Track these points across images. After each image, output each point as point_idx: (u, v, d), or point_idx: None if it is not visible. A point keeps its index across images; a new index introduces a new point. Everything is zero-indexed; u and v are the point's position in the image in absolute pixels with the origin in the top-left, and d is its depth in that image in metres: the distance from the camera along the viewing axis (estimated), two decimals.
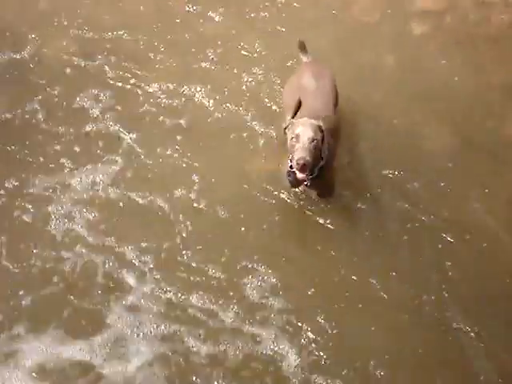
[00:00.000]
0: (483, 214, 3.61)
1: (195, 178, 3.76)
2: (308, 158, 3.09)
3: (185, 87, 4.17)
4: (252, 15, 4.63)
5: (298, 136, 3.14)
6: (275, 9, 4.68)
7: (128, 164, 3.84)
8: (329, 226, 3.56)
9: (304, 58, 3.79)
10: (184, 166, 3.82)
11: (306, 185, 3.41)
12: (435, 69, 4.34)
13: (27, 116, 4.04)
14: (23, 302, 3.32)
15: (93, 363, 3.15)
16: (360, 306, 3.31)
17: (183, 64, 4.33)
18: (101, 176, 3.77)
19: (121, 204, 3.68)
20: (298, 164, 3.10)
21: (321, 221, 3.58)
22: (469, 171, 3.79)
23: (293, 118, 3.44)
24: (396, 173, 3.76)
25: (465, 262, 3.44)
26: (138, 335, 3.24)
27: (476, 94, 4.18)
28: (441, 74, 4.30)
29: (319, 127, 3.19)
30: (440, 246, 3.50)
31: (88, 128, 3.99)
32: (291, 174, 3.34)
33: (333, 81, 3.62)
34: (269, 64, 4.30)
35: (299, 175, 3.18)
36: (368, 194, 3.69)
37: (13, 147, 3.91)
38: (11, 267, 3.43)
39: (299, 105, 3.45)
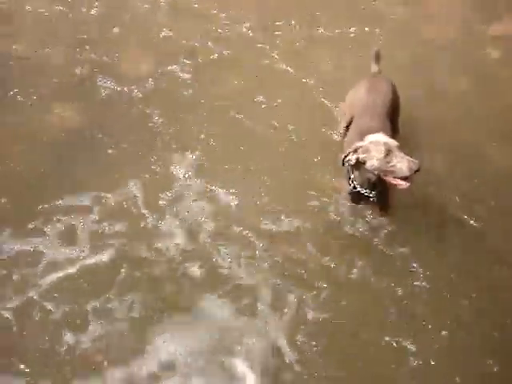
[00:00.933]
0: None
1: None
2: (415, 161, 3.05)
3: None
4: (323, 32, 4.82)
5: (390, 151, 3.08)
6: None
7: None
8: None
9: (373, 68, 3.81)
10: None
11: (372, 200, 3.40)
12: (508, 94, 4.37)
13: None
14: None
15: None
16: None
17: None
18: None
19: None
20: (412, 171, 3.05)
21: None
22: None
23: (345, 128, 3.60)
24: (454, 186, 3.82)
25: None
26: None
27: None
28: None
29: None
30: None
31: None
32: (353, 193, 3.41)
33: (390, 97, 3.58)
34: (342, 78, 4.39)
35: (405, 185, 3.12)
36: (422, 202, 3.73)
37: None
38: None
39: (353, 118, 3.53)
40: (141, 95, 4.37)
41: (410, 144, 3.69)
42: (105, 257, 3.49)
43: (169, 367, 3.11)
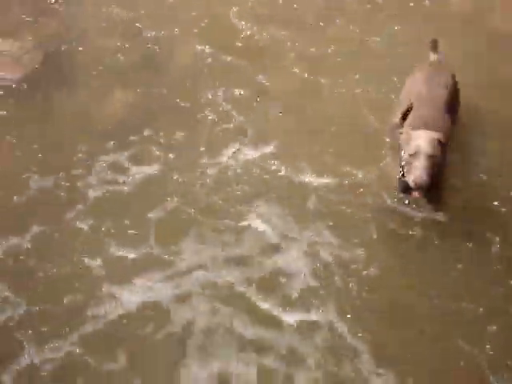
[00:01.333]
0: None
1: None
2: (425, 179, 3.02)
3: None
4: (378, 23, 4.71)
5: (416, 153, 3.06)
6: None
7: None
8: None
9: (431, 57, 3.73)
10: None
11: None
12: None
13: None
14: None
15: None
16: None
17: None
18: None
19: None
20: (415, 184, 3.07)
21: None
22: None
23: (403, 118, 3.44)
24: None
25: None
26: None
27: None
28: None
29: (439, 141, 3.11)
30: None
31: None
32: (402, 181, 3.35)
33: (450, 88, 3.49)
34: (394, 68, 4.25)
35: (414, 193, 3.18)
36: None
37: None
38: None
39: (411, 107, 3.42)
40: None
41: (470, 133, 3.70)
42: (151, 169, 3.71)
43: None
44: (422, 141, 3.07)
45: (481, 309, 3.08)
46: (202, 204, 3.53)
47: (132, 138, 3.88)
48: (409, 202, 3.46)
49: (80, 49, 4.55)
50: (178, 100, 4.15)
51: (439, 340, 2.98)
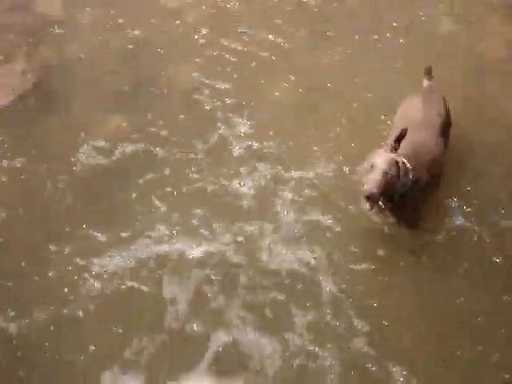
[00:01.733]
0: None
1: None
2: (374, 192, 3.14)
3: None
4: (379, 45, 4.66)
5: (372, 167, 3.19)
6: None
7: None
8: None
9: (425, 82, 3.78)
10: None
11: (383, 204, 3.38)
12: None
13: None
14: None
15: None
16: None
17: None
18: None
19: None
20: (365, 194, 3.17)
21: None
22: None
23: (395, 142, 3.42)
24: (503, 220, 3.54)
25: None
26: None
27: None
28: None
29: (396, 162, 3.21)
30: None
31: None
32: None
33: (443, 113, 3.55)
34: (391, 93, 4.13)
35: (365, 204, 3.26)
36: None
37: None
38: None
39: (405, 132, 3.41)
40: None
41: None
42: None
43: None
44: (379, 157, 3.22)
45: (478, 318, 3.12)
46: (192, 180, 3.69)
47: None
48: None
49: (74, 71, 4.49)
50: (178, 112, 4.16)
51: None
